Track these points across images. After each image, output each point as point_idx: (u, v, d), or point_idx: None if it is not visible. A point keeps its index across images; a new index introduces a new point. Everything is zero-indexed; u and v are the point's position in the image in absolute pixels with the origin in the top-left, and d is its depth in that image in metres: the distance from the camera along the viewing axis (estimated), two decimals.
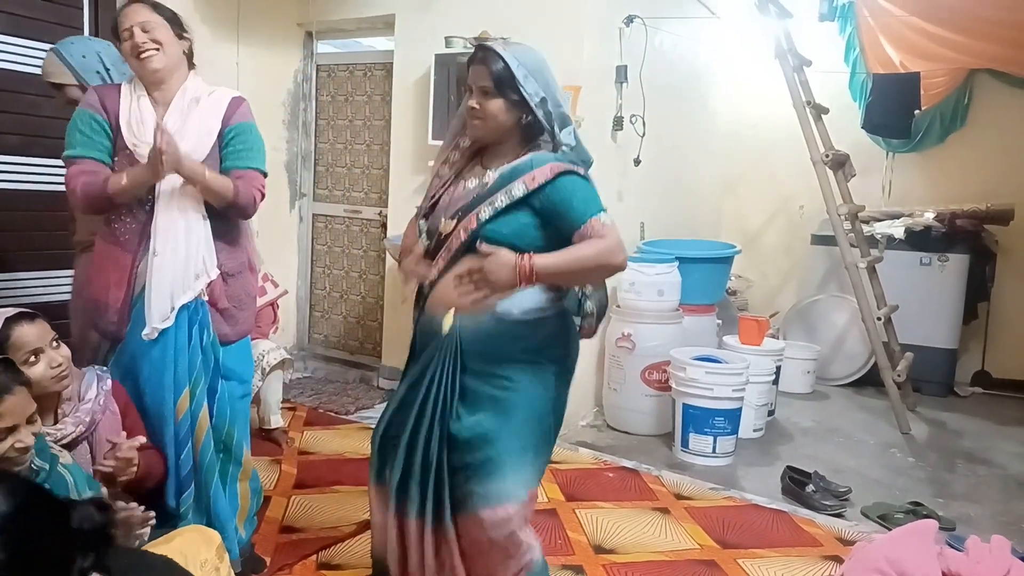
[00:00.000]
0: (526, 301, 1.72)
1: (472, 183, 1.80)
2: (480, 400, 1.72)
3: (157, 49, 1.94)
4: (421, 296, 1.83)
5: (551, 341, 1.79)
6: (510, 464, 1.70)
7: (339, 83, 4.44)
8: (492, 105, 1.73)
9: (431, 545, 1.74)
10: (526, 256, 1.64)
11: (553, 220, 1.70)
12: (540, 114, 1.72)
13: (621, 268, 1.71)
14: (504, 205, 1.70)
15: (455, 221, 1.75)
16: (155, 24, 1.95)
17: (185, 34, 2.04)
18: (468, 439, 1.70)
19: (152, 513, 1.57)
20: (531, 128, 1.77)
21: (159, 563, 1.22)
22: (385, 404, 1.88)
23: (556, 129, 1.75)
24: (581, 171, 1.74)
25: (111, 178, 1.90)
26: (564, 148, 1.76)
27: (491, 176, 1.76)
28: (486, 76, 1.71)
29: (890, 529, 2.51)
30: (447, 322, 1.73)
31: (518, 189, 1.69)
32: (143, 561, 1.33)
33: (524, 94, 1.69)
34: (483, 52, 1.74)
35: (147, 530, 1.56)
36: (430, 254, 1.79)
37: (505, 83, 1.70)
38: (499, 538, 1.68)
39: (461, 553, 1.73)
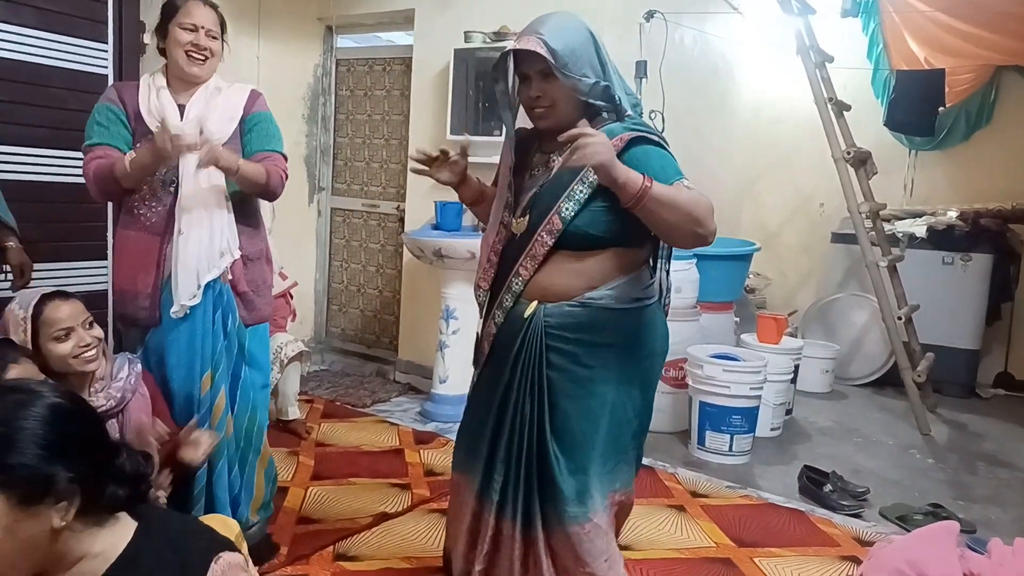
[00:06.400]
0: (624, 289, 1.60)
1: (537, 171, 1.65)
2: (563, 397, 1.61)
3: (207, 59, 2.01)
4: (493, 303, 1.71)
5: (643, 332, 1.65)
6: (592, 469, 1.60)
7: (358, 77, 4.45)
8: (556, 89, 1.55)
9: (520, 549, 1.63)
10: (647, 177, 1.44)
11: None
12: (599, 90, 1.55)
13: (709, 237, 1.50)
14: (586, 196, 1.54)
15: (526, 218, 1.61)
16: (217, 33, 2.02)
17: (225, 42, 2.10)
18: (553, 437, 1.60)
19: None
20: (593, 105, 1.60)
21: (191, 521, 1.22)
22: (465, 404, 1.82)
23: (619, 98, 1.58)
24: (654, 137, 1.56)
25: (118, 161, 1.93)
26: (630, 115, 1.60)
27: (557, 161, 1.60)
28: (542, 58, 1.51)
29: (909, 531, 2.49)
30: (530, 310, 1.61)
31: (593, 173, 1.50)
32: (171, 515, 1.35)
33: (575, 80, 1.52)
34: (527, 36, 1.53)
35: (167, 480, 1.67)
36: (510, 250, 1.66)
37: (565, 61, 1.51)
38: (583, 553, 1.58)
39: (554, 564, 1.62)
